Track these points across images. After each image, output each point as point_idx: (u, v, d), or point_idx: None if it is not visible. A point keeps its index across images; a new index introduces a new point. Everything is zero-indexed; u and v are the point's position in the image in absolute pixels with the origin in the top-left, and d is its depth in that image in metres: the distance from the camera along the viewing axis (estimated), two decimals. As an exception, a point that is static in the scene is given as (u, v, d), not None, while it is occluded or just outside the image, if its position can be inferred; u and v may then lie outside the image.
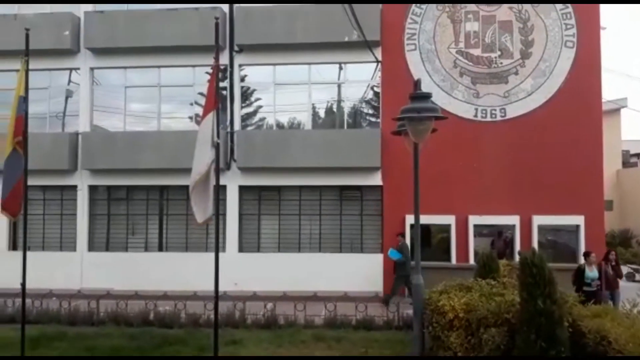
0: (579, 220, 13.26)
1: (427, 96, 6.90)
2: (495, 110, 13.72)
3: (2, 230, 14.59)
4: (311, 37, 13.75)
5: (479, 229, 13.73)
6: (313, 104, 14.59)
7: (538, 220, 13.33)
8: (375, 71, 14.20)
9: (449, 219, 13.48)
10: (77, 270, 14.32)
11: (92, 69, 14.81)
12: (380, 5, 13.86)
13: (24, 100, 10.54)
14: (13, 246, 14.79)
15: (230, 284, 12.19)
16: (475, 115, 13.75)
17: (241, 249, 14.28)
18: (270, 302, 9.96)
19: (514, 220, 13.42)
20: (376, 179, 13.91)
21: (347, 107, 14.51)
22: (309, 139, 13.97)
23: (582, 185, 13.24)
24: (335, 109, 14.76)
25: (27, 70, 10.52)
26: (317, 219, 14.29)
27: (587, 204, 13.21)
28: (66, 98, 15.15)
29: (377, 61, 13.92)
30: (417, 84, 7.12)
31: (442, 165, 13.05)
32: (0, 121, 14.67)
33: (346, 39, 13.45)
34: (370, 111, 14.72)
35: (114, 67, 14.78)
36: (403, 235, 12.96)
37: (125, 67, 14.76)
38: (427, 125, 6.57)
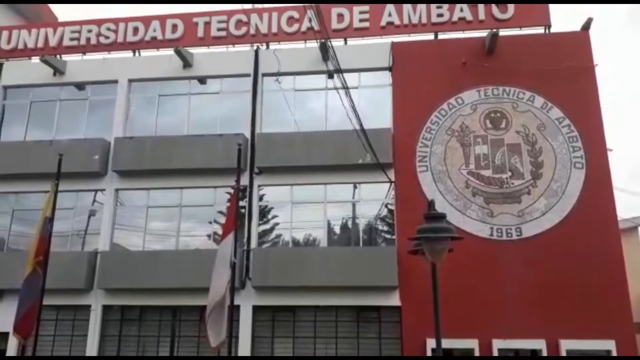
0: (609, 345, 12.52)
1: (441, 216, 7.04)
2: (510, 229, 13.74)
3: (10, 352, 14.22)
4: (327, 160, 14.40)
5: (504, 353, 13.01)
6: (329, 221, 14.80)
7: (566, 344, 12.63)
8: (389, 190, 14.57)
9: (472, 343, 12.84)
10: (81, 396, 13.64)
11: (117, 190, 15.42)
12: (392, 130, 14.64)
13: (49, 221, 10.97)
14: (19, 369, 14.30)
15: (241, 413, 11.45)
16: (491, 235, 13.76)
17: (253, 374, 13.60)
18: None
19: (540, 344, 12.73)
20: (394, 299, 13.57)
21: (362, 224, 14.68)
22: (324, 257, 13.95)
23: (608, 307, 12.73)
24: (350, 226, 14.93)
25: (56, 192, 11.08)
26: (333, 342, 13.72)
27: (616, 327, 12.58)
28: (89, 217, 15.63)
29: (391, 181, 14.36)
30: (431, 204, 7.30)
31: (461, 286, 12.77)
32: (25, 239, 15.13)
33: (360, 162, 14.05)
34: (385, 228, 14.84)
35: (138, 189, 15.39)
36: None
37: (149, 189, 15.37)
38: (444, 245, 6.65)
